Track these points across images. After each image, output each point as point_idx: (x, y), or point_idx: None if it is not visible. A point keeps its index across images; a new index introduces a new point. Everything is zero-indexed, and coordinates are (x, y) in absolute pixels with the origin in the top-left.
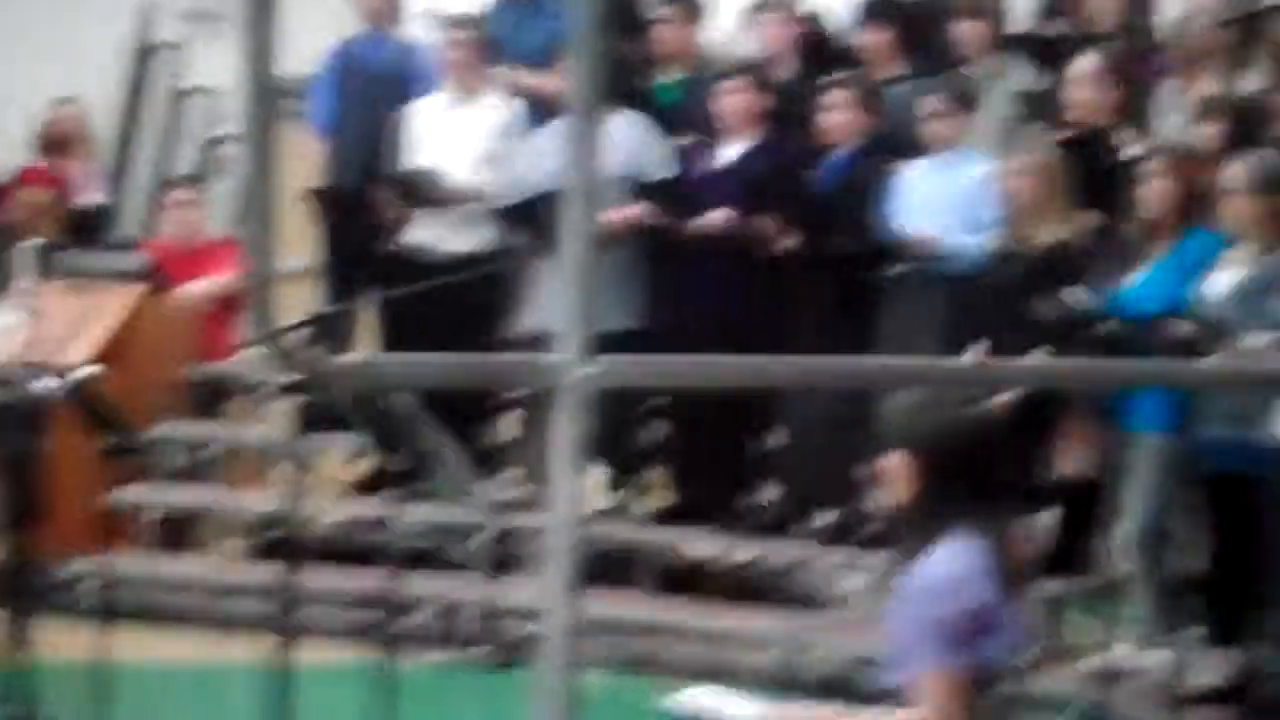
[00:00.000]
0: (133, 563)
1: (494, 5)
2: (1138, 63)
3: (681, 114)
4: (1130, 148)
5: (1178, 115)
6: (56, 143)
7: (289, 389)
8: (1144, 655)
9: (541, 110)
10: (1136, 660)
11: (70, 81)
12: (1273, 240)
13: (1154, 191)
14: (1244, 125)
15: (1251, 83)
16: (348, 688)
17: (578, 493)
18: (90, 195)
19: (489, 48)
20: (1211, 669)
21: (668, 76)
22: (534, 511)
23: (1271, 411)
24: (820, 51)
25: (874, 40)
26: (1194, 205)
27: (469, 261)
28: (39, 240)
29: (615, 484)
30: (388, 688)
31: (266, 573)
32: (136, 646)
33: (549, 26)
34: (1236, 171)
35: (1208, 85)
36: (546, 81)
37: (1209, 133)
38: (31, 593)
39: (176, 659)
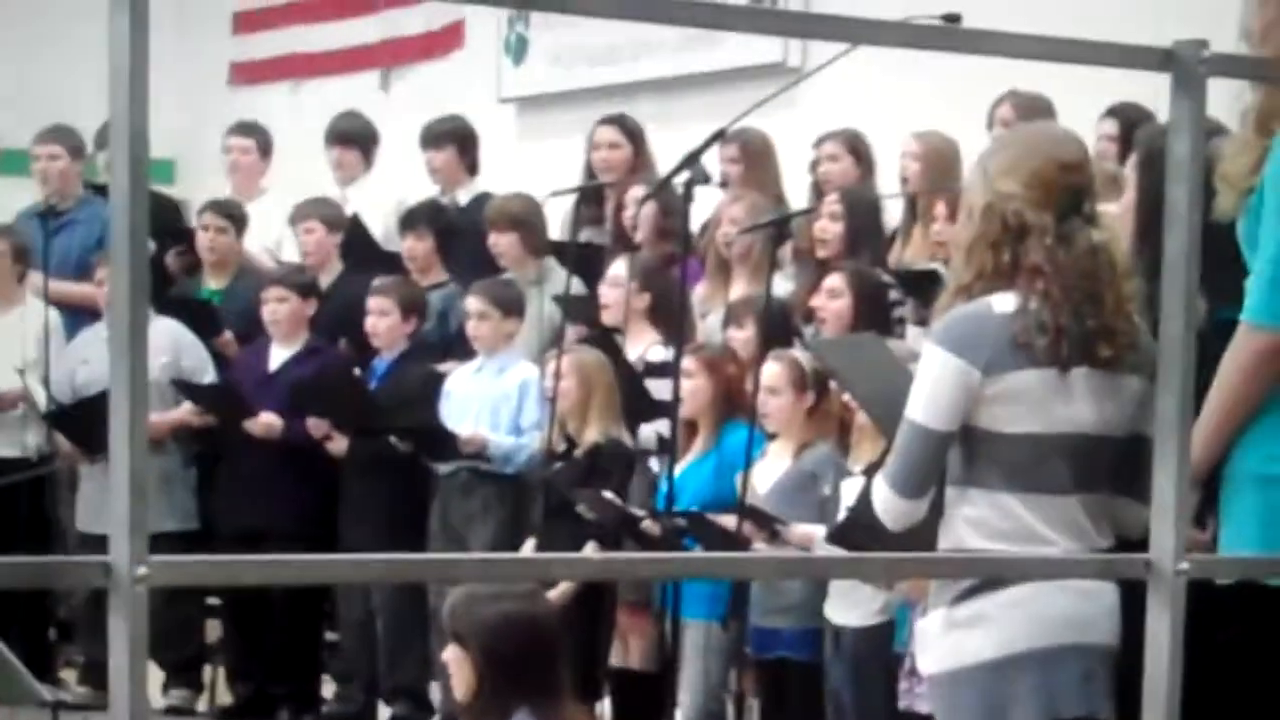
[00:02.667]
0: None
1: (22, 217)
2: (669, 267)
3: (223, 319)
4: (665, 348)
5: (713, 317)
6: None
7: None
8: None
9: (78, 316)
10: None
11: None
12: (809, 435)
13: (691, 390)
14: (776, 326)
15: (782, 285)
16: None
17: (139, 693)
18: None
19: (25, 255)
20: None
21: (210, 281)
22: (95, 711)
23: (823, 599)
24: (363, 254)
25: (413, 249)
26: (731, 402)
27: (17, 465)
28: None
29: (173, 683)
30: None
31: None
32: None
33: (78, 235)
34: (773, 371)
35: (739, 288)
36: (82, 290)
37: (743, 334)
38: None
39: None
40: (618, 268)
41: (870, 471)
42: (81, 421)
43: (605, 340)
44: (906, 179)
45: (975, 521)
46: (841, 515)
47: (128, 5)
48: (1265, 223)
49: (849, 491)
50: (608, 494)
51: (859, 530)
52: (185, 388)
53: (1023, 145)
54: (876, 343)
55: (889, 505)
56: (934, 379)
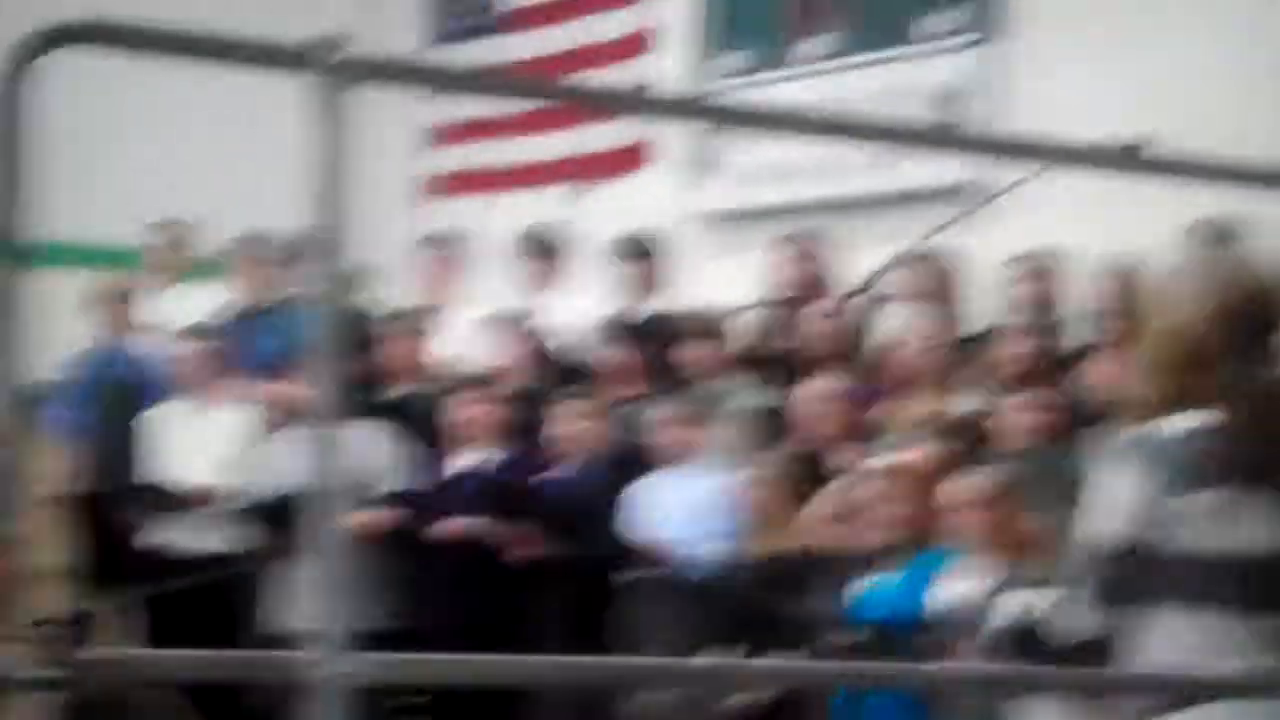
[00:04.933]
0: None
1: (224, 316)
2: (859, 383)
3: (414, 424)
4: (855, 465)
5: (896, 434)
6: None
7: (44, 684)
8: None
9: (277, 417)
10: None
11: None
12: (1000, 553)
13: (881, 508)
14: (960, 444)
15: (967, 403)
16: None
17: None
18: None
19: (223, 356)
20: None
21: (399, 388)
22: None
23: (1008, 714)
24: (553, 364)
25: (613, 361)
26: (918, 519)
27: (216, 561)
28: None
29: None
30: None
31: None
32: None
33: (279, 337)
34: (961, 487)
35: (924, 405)
36: (280, 390)
37: (927, 452)
38: None
39: None
40: (814, 386)
41: (1043, 586)
42: (278, 520)
43: (806, 458)
44: (1097, 303)
45: (1156, 638)
46: (998, 626)
47: (327, 120)
48: None
49: (1007, 604)
50: (801, 602)
51: (1018, 642)
52: (373, 497)
53: (1208, 272)
54: (1060, 460)
55: (1067, 617)
56: (1112, 496)
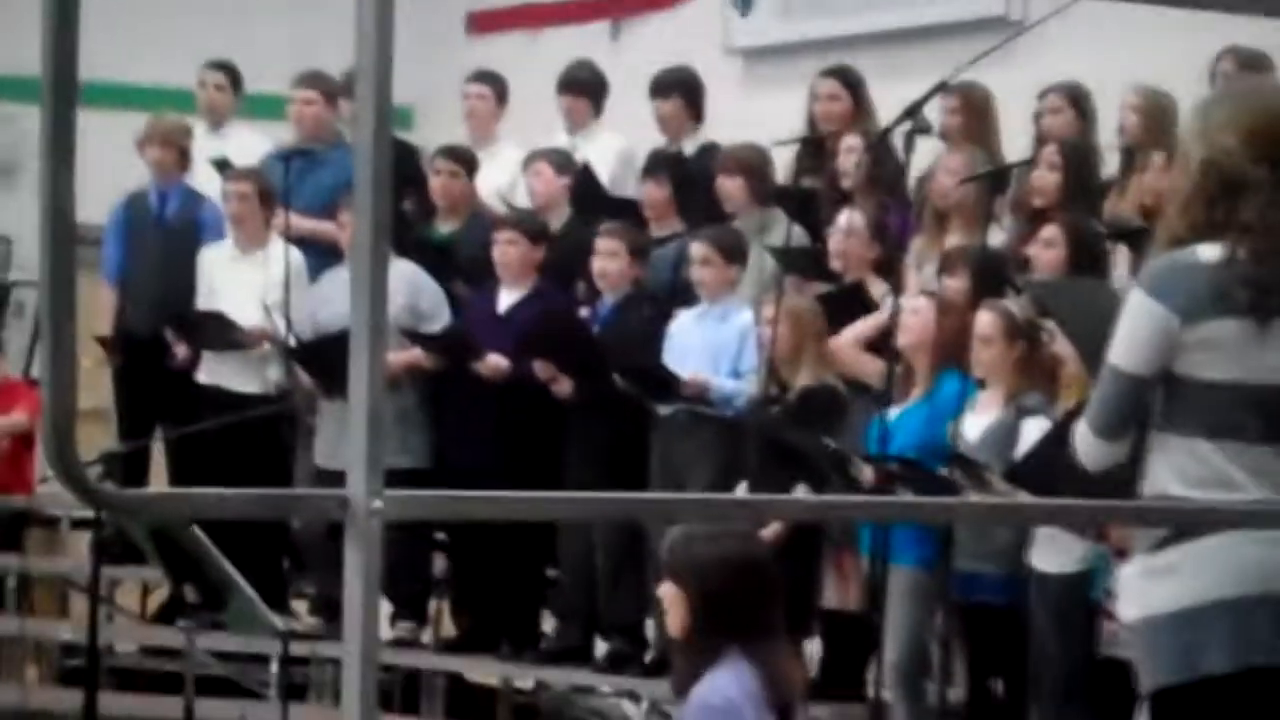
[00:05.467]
0: None
1: (270, 156)
2: (890, 218)
3: (456, 261)
4: (888, 297)
5: (929, 268)
6: None
7: (87, 522)
8: None
9: (322, 256)
10: None
11: None
12: (1018, 385)
13: (914, 327)
14: (989, 275)
15: (997, 238)
16: None
17: (371, 624)
18: None
19: (271, 197)
20: None
21: (443, 225)
22: (325, 641)
23: (1029, 544)
24: (591, 200)
25: (652, 196)
26: (946, 350)
27: (259, 400)
28: None
29: (400, 615)
30: None
31: (67, 699)
32: None
33: (327, 177)
34: (986, 320)
35: (958, 237)
36: (326, 228)
37: (957, 283)
38: None
39: None
40: (844, 218)
41: (1067, 415)
42: (322, 359)
43: (841, 291)
44: (1125, 131)
45: (1172, 467)
46: (1020, 454)
47: None
48: None
49: (1029, 431)
50: (826, 440)
51: (1039, 470)
52: (414, 336)
53: (1242, 100)
54: (1094, 285)
55: (1086, 445)
56: (1134, 323)
